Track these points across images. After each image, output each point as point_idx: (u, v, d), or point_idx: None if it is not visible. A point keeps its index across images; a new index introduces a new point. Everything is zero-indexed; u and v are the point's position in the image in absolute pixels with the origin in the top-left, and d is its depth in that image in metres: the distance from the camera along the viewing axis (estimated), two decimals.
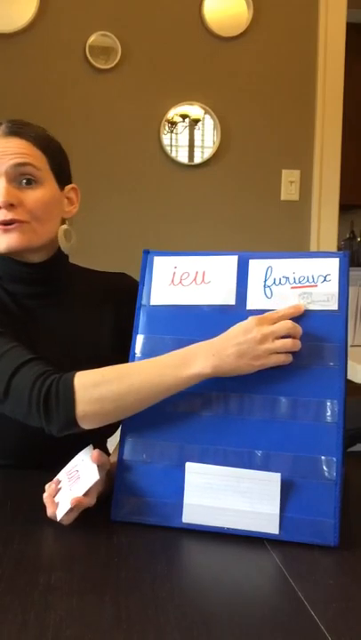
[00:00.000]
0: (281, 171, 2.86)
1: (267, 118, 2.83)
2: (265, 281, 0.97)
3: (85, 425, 0.93)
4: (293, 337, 0.90)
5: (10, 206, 1.06)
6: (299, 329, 0.91)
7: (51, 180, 1.13)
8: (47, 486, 0.92)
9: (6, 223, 1.07)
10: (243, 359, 0.89)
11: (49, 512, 0.89)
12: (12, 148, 1.08)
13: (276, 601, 0.74)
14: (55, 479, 0.93)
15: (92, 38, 2.66)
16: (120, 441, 0.97)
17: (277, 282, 0.97)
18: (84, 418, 0.92)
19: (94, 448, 0.95)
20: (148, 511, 0.92)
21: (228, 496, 0.89)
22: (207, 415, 0.94)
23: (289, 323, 0.91)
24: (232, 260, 1.00)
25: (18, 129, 1.11)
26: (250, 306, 0.97)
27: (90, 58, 2.68)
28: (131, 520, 0.92)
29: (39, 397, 0.93)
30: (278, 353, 0.90)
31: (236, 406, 0.93)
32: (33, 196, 1.09)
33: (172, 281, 1.01)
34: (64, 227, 1.15)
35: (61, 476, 0.94)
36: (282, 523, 0.87)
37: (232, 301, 0.97)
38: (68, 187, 1.18)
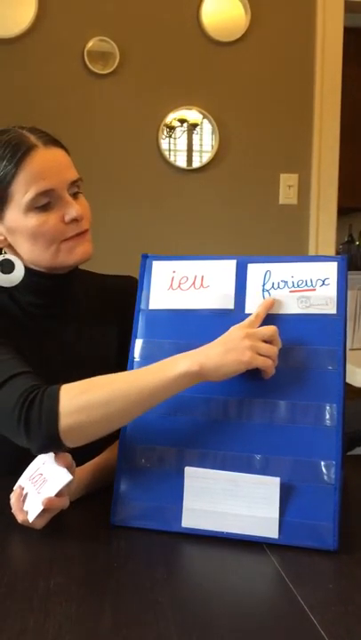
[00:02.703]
0: (279, 175, 2.86)
1: (265, 122, 2.83)
2: (263, 285, 0.97)
3: (69, 441, 0.88)
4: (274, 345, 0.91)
5: (81, 218, 1.07)
6: (279, 340, 0.92)
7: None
8: (11, 495, 0.92)
9: (80, 234, 1.08)
10: (229, 355, 0.88)
11: (19, 519, 0.89)
12: (62, 160, 1.08)
13: (276, 605, 0.74)
14: (17, 486, 0.93)
15: (90, 43, 2.67)
16: (119, 446, 0.97)
17: (276, 286, 0.97)
18: (68, 432, 0.87)
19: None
20: (148, 516, 0.92)
21: (228, 500, 0.89)
22: (206, 419, 0.94)
23: (272, 327, 0.91)
24: (230, 265, 1.00)
25: (49, 136, 1.10)
26: (248, 310, 0.97)
27: (88, 63, 2.68)
28: (130, 525, 0.92)
29: (21, 410, 0.89)
30: (264, 357, 0.89)
31: (235, 410, 0.93)
32: (84, 206, 1.10)
33: (171, 285, 1.01)
34: None
35: (23, 482, 0.93)
36: (281, 527, 0.87)
37: (231, 306, 0.98)
38: None
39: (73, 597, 0.73)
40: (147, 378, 0.88)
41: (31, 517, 0.88)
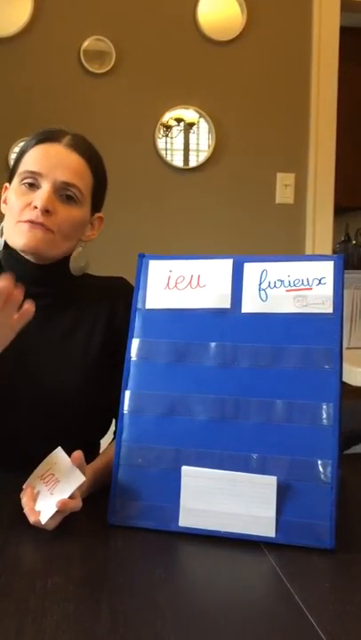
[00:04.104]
0: (276, 174, 2.86)
1: (262, 122, 2.83)
2: (260, 284, 0.97)
3: None
4: None
5: (45, 212, 1.09)
6: None
7: (87, 204, 1.17)
8: (22, 494, 0.91)
9: (34, 223, 1.10)
10: None
11: (32, 520, 0.88)
12: (69, 162, 1.13)
13: (273, 604, 0.74)
14: (27, 485, 0.93)
15: (86, 43, 2.67)
16: (116, 445, 0.97)
17: (272, 285, 0.97)
18: None
19: (83, 447, 0.95)
20: (145, 515, 0.92)
21: (225, 499, 0.89)
22: (203, 419, 0.94)
23: None
24: (227, 264, 1.00)
25: (81, 144, 1.16)
26: (245, 309, 0.97)
27: (84, 62, 2.68)
28: (127, 524, 0.92)
29: None
30: None
31: (232, 409, 0.93)
32: (67, 213, 1.12)
33: (168, 285, 1.01)
34: (79, 249, 1.18)
35: (34, 481, 0.93)
36: (278, 526, 0.87)
37: (227, 305, 0.98)
38: (98, 214, 1.22)
39: (70, 597, 0.73)
40: None
41: (44, 519, 0.87)
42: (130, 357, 0.99)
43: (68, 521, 0.89)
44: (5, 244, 1.16)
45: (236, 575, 0.81)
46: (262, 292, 0.97)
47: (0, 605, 0.71)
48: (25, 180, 1.12)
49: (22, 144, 1.19)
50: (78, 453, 0.92)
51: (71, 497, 0.89)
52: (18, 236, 1.11)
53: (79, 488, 0.90)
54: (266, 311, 0.96)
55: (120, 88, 2.73)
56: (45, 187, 1.11)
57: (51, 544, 0.86)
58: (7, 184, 1.19)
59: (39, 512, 0.88)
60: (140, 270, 1.03)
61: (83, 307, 1.20)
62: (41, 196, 1.10)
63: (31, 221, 1.10)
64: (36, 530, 0.88)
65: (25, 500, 0.91)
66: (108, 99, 2.72)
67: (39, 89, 2.67)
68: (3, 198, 1.20)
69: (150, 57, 2.74)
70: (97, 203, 1.21)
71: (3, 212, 1.19)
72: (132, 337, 1.00)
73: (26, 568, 0.80)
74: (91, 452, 1.07)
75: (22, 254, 1.14)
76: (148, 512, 0.92)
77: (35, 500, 0.90)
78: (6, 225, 1.15)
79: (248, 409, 0.93)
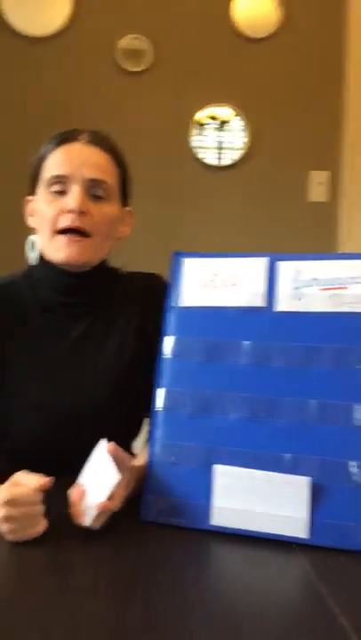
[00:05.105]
0: (310, 172, 2.83)
1: (295, 119, 2.81)
2: (294, 283, 0.97)
3: None
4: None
5: (81, 213, 1.07)
6: (37, 511, 0.85)
7: (117, 198, 1.15)
8: (70, 492, 0.89)
9: (73, 230, 1.08)
10: None
11: (76, 521, 0.87)
12: (93, 158, 1.10)
13: (305, 605, 0.73)
14: (77, 483, 0.91)
15: (123, 41, 2.68)
16: (150, 442, 0.97)
17: (307, 284, 0.96)
18: None
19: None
20: (177, 512, 0.92)
21: (257, 499, 0.89)
22: (236, 417, 0.93)
23: (33, 510, 0.84)
24: (261, 262, 1.00)
25: (101, 139, 1.13)
26: (279, 308, 0.96)
27: (120, 61, 2.69)
28: (160, 521, 0.92)
29: None
30: (26, 530, 0.84)
31: (265, 409, 0.93)
32: (101, 211, 1.10)
33: (202, 283, 1.01)
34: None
35: (83, 478, 0.91)
36: (311, 527, 0.87)
37: (261, 303, 0.97)
38: (127, 208, 1.19)
39: (103, 593, 0.73)
40: None
41: (87, 522, 0.86)
42: (163, 355, 1.00)
43: None
44: (40, 257, 1.15)
45: (267, 576, 0.81)
46: (297, 291, 0.96)
47: (34, 600, 0.71)
48: (53, 187, 1.10)
49: (39, 152, 1.14)
50: (112, 446, 0.90)
51: (111, 497, 0.87)
52: (56, 251, 1.09)
53: (123, 487, 0.89)
54: (300, 310, 0.95)
55: (155, 86, 2.74)
56: (75, 188, 1.08)
57: (84, 539, 0.86)
58: (29, 197, 1.16)
59: (83, 513, 0.87)
60: (175, 268, 1.04)
61: (116, 311, 1.18)
62: (73, 198, 1.07)
63: (70, 228, 1.08)
64: (69, 525, 0.88)
65: (73, 497, 0.88)
66: (143, 97, 2.73)
67: (75, 88, 2.69)
68: (28, 211, 1.17)
69: (185, 55, 2.74)
70: (125, 195, 1.18)
71: (31, 225, 1.16)
72: (166, 334, 1.00)
73: (59, 564, 0.81)
74: None
75: (59, 265, 1.12)
76: (181, 509, 0.92)
77: (80, 500, 0.88)
78: (41, 237, 1.13)
79: (281, 408, 0.92)
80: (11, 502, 0.83)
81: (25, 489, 0.85)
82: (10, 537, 0.84)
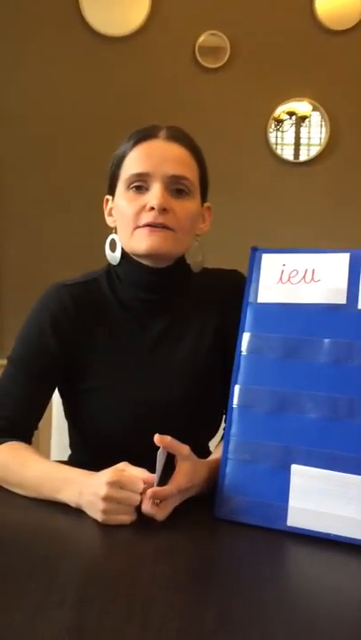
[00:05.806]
0: None
1: None
2: None
3: None
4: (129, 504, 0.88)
5: (163, 210, 1.07)
6: (137, 499, 0.88)
7: (197, 194, 1.14)
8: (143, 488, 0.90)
9: (156, 225, 1.08)
10: (92, 510, 0.90)
11: (142, 510, 0.89)
12: (173, 154, 1.10)
13: None
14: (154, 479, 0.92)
15: (201, 38, 2.68)
16: (224, 439, 0.96)
17: None
18: None
19: (191, 448, 0.95)
20: (252, 511, 0.91)
21: (335, 502, 0.87)
22: (314, 417, 0.91)
23: (134, 496, 0.88)
24: (343, 258, 0.97)
25: (180, 134, 1.13)
26: None
27: (199, 57, 2.69)
28: (233, 519, 0.91)
29: None
30: (119, 514, 0.88)
31: (345, 409, 0.90)
32: (183, 207, 1.10)
33: (281, 279, 0.99)
34: (195, 244, 1.16)
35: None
36: None
37: (343, 300, 0.94)
38: (206, 204, 1.19)
39: (177, 587, 0.73)
40: (44, 487, 0.97)
41: (145, 509, 0.88)
42: (240, 351, 0.98)
43: (174, 512, 0.90)
44: (121, 255, 1.15)
45: (344, 581, 0.78)
46: None
47: (108, 591, 0.72)
48: (133, 185, 1.09)
49: (118, 150, 1.14)
50: (166, 439, 0.91)
51: (163, 485, 0.89)
52: (138, 242, 1.09)
53: (182, 474, 0.90)
54: None
55: (233, 82, 2.72)
56: (156, 185, 1.08)
57: (158, 534, 0.87)
58: (108, 197, 1.17)
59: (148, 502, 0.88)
60: (253, 264, 1.02)
61: (194, 308, 1.18)
62: (155, 195, 1.07)
63: (150, 224, 1.08)
64: (146, 519, 0.89)
65: (148, 493, 0.89)
66: (221, 93, 2.72)
67: (153, 86, 2.71)
68: (107, 211, 1.18)
69: (264, 49, 2.71)
70: (204, 191, 1.18)
71: (111, 224, 1.17)
72: (243, 331, 0.99)
73: (135, 556, 0.81)
74: (201, 454, 1.05)
75: (141, 260, 1.13)
76: (255, 508, 0.91)
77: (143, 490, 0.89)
78: (122, 234, 1.13)
79: None
80: (115, 483, 0.87)
81: (131, 476, 0.89)
82: (102, 517, 0.87)
